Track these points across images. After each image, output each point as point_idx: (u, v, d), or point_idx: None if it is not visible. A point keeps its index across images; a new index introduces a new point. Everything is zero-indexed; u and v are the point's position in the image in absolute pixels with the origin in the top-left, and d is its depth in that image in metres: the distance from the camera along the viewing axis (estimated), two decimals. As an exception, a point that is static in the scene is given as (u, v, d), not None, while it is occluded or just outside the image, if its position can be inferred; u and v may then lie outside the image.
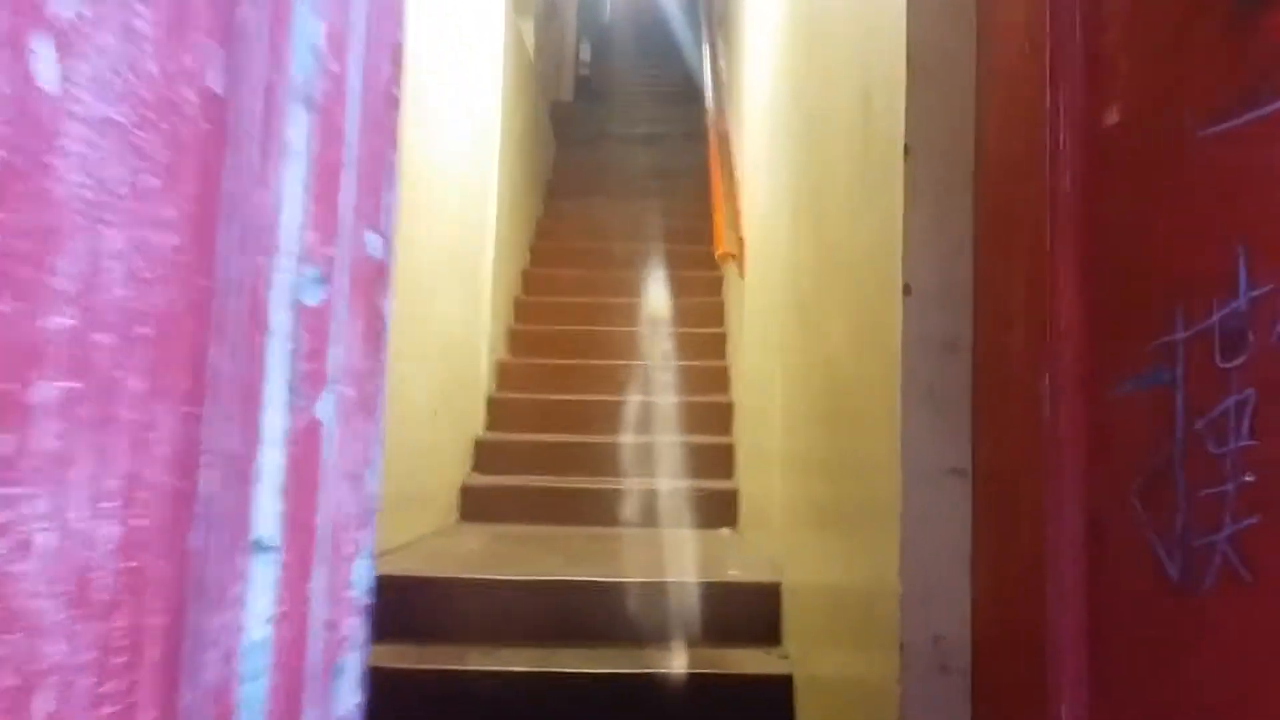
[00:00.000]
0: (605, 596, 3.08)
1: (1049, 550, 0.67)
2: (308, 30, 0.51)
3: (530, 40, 6.11)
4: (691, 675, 2.78)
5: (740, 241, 4.38)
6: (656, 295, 5.61)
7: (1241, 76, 0.55)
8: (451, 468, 4.28)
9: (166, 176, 0.43)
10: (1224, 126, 0.55)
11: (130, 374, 0.42)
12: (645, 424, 4.65)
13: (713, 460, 4.45)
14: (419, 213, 3.65)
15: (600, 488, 4.21)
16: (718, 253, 4.55)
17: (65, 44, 0.38)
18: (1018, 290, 0.75)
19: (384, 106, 0.60)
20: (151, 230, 0.43)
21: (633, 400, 4.81)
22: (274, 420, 0.51)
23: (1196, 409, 0.59)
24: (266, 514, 0.51)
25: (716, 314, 5.42)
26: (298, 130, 0.51)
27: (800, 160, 2.83)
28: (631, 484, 4.25)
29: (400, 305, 3.45)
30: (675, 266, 5.84)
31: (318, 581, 0.55)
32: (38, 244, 0.38)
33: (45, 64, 0.38)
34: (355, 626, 0.58)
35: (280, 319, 0.51)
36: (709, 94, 5.70)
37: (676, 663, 2.85)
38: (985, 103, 1.00)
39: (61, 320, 0.38)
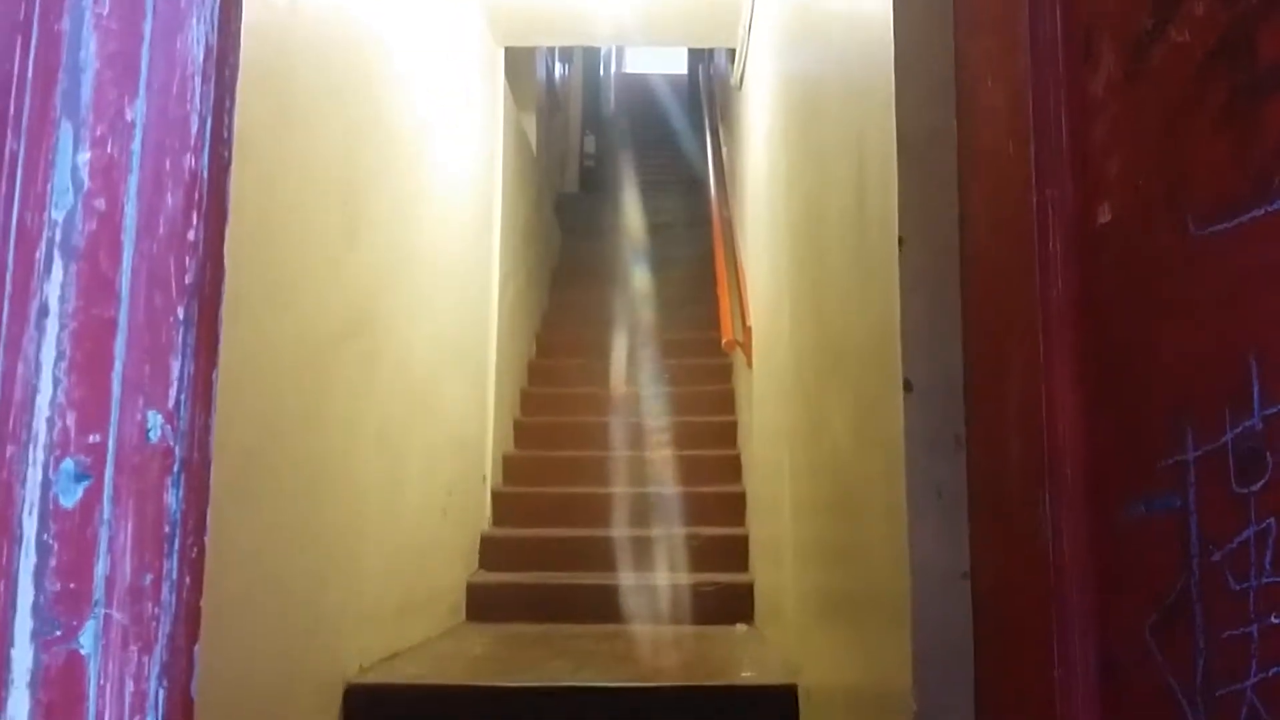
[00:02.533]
0: (618, 702, 2.96)
1: (1059, 693, 0.60)
2: (69, 158, 0.44)
3: (533, 134, 6.19)
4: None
5: (747, 330, 4.35)
6: (665, 383, 5.56)
7: (1243, 170, 0.51)
8: (457, 565, 4.19)
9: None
10: (1226, 225, 0.50)
11: None
12: (655, 516, 4.55)
13: (726, 552, 4.34)
14: (421, 309, 3.64)
15: (610, 583, 4.10)
16: (724, 341, 4.52)
17: None
18: (1012, 393, 0.70)
19: (173, 249, 0.51)
20: None
21: (642, 491, 4.72)
22: (20, 659, 0.43)
23: (1212, 538, 0.53)
24: None
25: (727, 402, 5.36)
26: (54, 284, 0.44)
27: (799, 248, 2.81)
28: (642, 579, 4.14)
29: (406, 401, 3.41)
30: (683, 354, 5.80)
31: None
32: None
33: None
34: None
35: (29, 527, 0.44)
36: (712, 182, 5.74)
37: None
38: (970, 192, 0.97)
39: None
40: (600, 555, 4.31)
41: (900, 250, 1.41)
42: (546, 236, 6.96)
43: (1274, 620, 0.48)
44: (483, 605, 4.11)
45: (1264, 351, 0.47)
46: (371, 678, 3.01)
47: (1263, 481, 0.49)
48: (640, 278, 6.91)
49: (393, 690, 2.98)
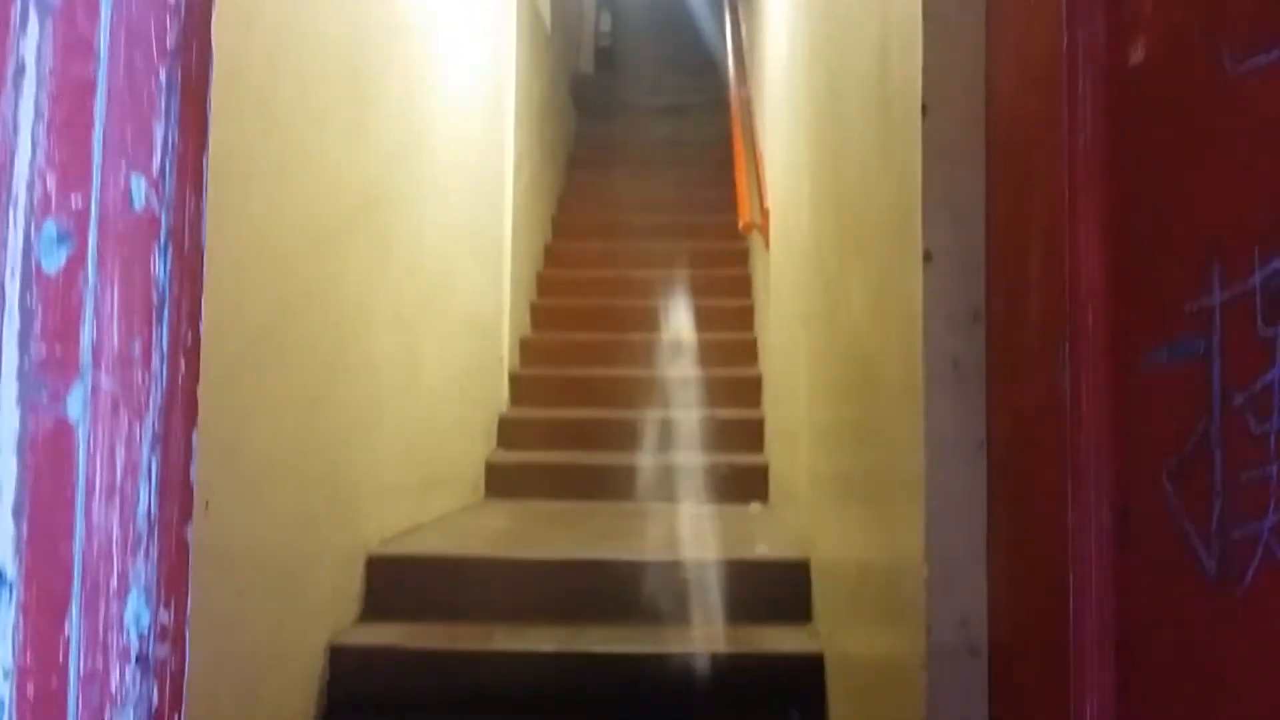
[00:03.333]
0: (632, 575, 3.04)
1: (1071, 539, 0.61)
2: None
3: (547, 13, 6.02)
4: (722, 654, 2.73)
5: (765, 212, 4.29)
6: (681, 267, 5.53)
7: (1284, 3, 0.48)
8: (476, 445, 4.25)
9: None
10: (1265, 59, 0.47)
11: None
12: (671, 398, 4.58)
13: (741, 434, 4.39)
14: (434, 190, 3.60)
15: (626, 463, 4.16)
16: (741, 224, 4.47)
17: None
18: (1034, 252, 0.68)
19: (153, 9, 0.49)
20: None
21: (658, 374, 4.74)
22: (6, 422, 0.43)
23: (1236, 382, 0.52)
24: (3, 540, 0.43)
25: (743, 286, 5.33)
26: (30, 42, 0.42)
27: (819, 123, 2.75)
28: (658, 459, 4.19)
29: (420, 283, 3.41)
30: (700, 238, 5.75)
31: (73, 626, 0.46)
32: None
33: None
34: (128, 678, 0.49)
35: (11, 290, 0.43)
36: (730, 62, 5.59)
37: (706, 642, 2.80)
38: (996, 49, 0.92)
39: None
40: (617, 436, 4.36)
41: (924, 119, 1.37)
42: (562, 118, 6.83)
43: (1294, 461, 0.47)
44: (501, 483, 4.19)
45: (1300, 189, 0.45)
46: (392, 549, 3.09)
47: (1290, 322, 0.48)
48: (657, 160, 6.79)
49: (414, 560, 3.07)
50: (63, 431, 0.45)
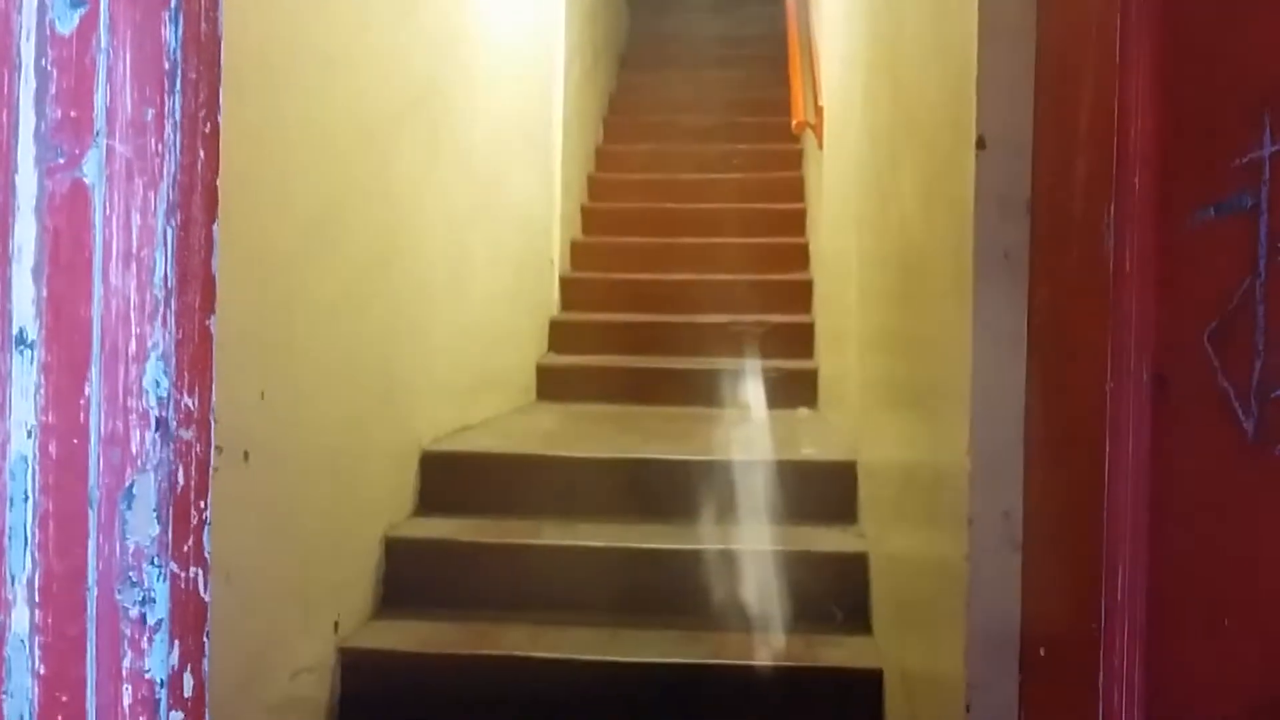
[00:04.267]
0: (679, 473, 3.08)
1: (1110, 405, 0.59)
2: None
3: (599, -96, 5.83)
4: (766, 552, 2.77)
5: (819, 111, 4.18)
6: (734, 171, 5.44)
7: None
8: (527, 348, 4.28)
9: None
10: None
11: None
12: (722, 302, 4.55)
13: (791, 339, 4.36)
14: (483, 87, 3.56)
15: (676, 367, 4.17)
16: (795, 123, 4.37)
17: None
18: (1082, 118, 0.65)
19: None
20: None
21: (709, 278, 4.71)
22: (25, 184, 0.44)
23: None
24: (24, 301, 0.45)
25: (796, 189, 5.23)
26: None
27: (875, 11, 2.65)
28: (708, 363, 4.20)
29: (470, 182, 3.40)
30: (753, 140, 5.64)
31: (93, 388, 0.48)
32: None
33: None
34: (148, 443, 0.51)
35: (27, 52, 0.43)
36: (787, -46, 5.38)
37: (751, 540, 2.83)
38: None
39: None
40: (667, 340, 4.36)
41: (980, -4, 1.31)
42: (614, 16, 6.67)
43: (1340, 318, 0.45)
44: (552, 386, 4.23)
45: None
46: (445, 445, 3.16)
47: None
48: (710, 58, 6.63)
49: (466, 457, 3.13)
50: (79, 193, 0.46)
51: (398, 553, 2.78)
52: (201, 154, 0.51)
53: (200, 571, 0.52)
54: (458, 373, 3.39)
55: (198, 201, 0.51)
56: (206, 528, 0.52)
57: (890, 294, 2.35)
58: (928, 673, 1.85)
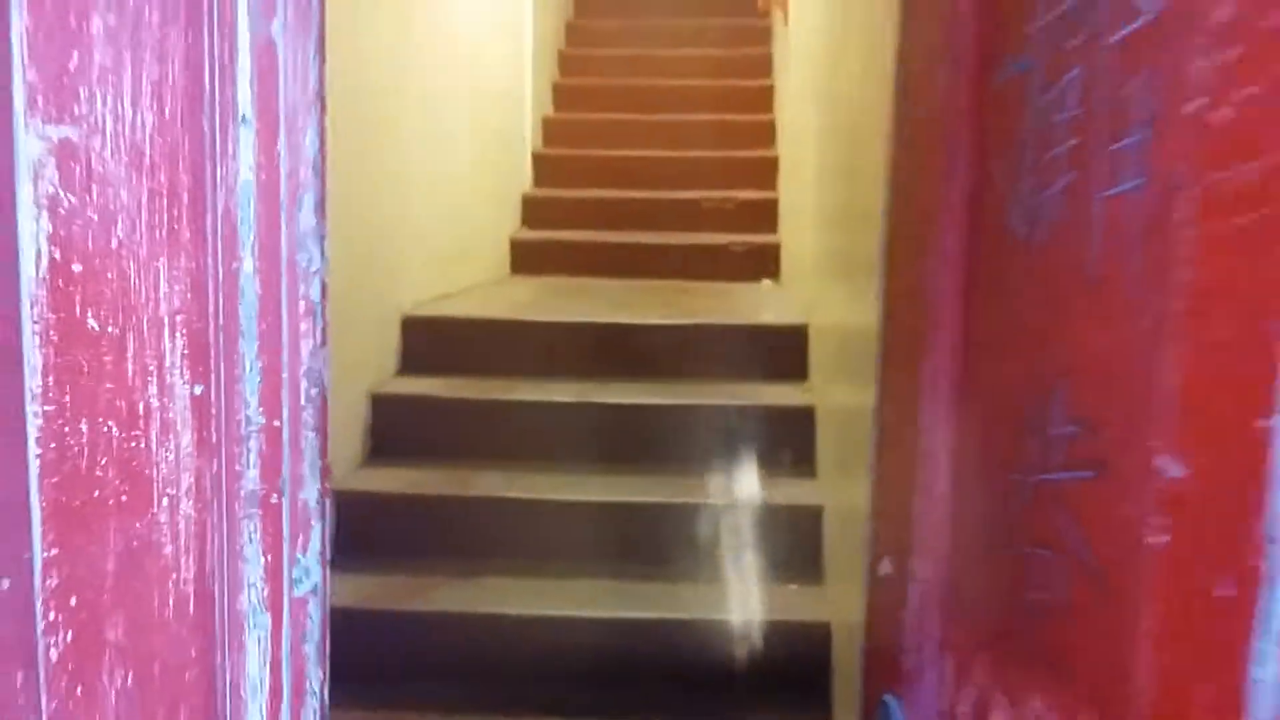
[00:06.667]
0: (646, 336, 3.29)
1: (938, 223, 0.79)
2: None
3: None
4: (724, 406, 3.01)
5: (785, -13, 4.25)
6: (703, 46, 5.49)
7: None
8: (502, 222, 4.43)
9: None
10: None
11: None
12: (691, 178, 4.70)
13: (757, 214, 4.52)
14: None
15: (645, 242, 4.34)
16: (760, 1, 4.44)
17: None
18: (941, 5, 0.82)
19: None
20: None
21: (679, 155, 4.84)
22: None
23: (1045, 87, 0.69)
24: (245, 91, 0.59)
25: (764, 65, 5.31)
26: None
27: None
28: (677, 238, 4.37)
29: (437, 57, 3.50)
30: (721, 14, 5.67)
31: (281, 146, 0.63)
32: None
33: None
34: (308, 179, 0.66)
35: None
36: None
37: (711, 396, 3.07)
38: None
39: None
40: (638, 215, 4.52)
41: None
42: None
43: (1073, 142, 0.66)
44: (526, 259, 4.40)
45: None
46: (426, 311, 3.35)
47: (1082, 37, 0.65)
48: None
49: (445, 322, 3.34)
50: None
51: (383, 408, 3.01)
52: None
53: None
54: (437, 243, 3.55)
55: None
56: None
57: (838, 168, 2.52)
58: (853, 507, 2.09)
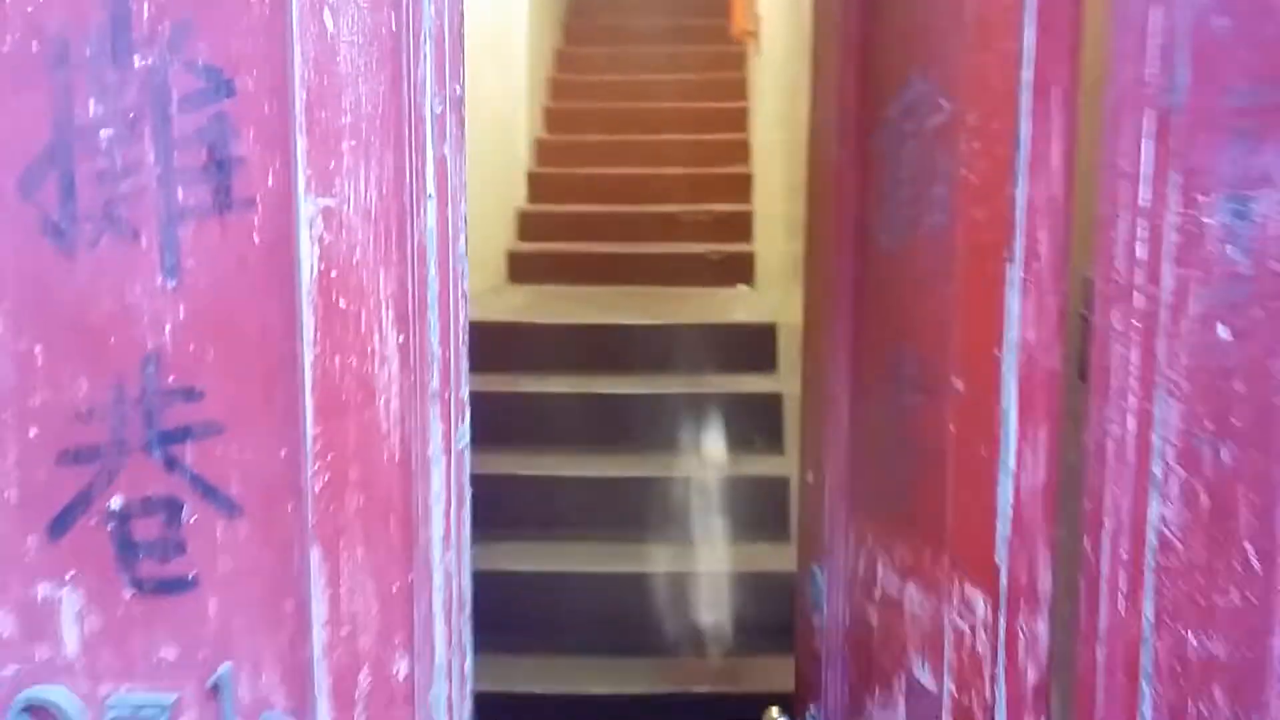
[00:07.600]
0: (633, 335, 3.72)
1: (836, 241, 1.22)
2: None
3: None
4: (701, 394, 3.44)
5: (757, 19, 4.69)
6: (683, 71, 5.92)
7: None
8: (497, 236, 4.84)
9: None
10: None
11: None
12: (673, 194, 5.11)
13: (734, 226, 4.92)
14: None
15: (631, 252, 4.76)
16: (734, 30, 4.88)
17: None
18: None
19: None
20: None
21: (662, 172, 5.26)
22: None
23: (895, 152, 1.13)
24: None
25: (738, 89, 5.73)
26: None
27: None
28: (660, 248, 4.79)
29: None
30: (698, 42, 6.10)
31: (449, 209, 1.06)
32: None
33: None
34: (459, 226, 1.07)
35: None
36: None
37: (690, 385, 3.50)
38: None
39: None
40: (624, 227, 4.93)
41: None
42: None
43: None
44: (522, 269, 4.81)
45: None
46: (437, 315, 3.76)
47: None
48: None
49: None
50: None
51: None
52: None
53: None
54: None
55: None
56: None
57: (796, 185, 2.95)
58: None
